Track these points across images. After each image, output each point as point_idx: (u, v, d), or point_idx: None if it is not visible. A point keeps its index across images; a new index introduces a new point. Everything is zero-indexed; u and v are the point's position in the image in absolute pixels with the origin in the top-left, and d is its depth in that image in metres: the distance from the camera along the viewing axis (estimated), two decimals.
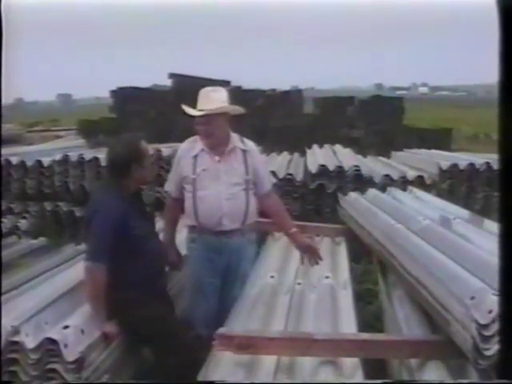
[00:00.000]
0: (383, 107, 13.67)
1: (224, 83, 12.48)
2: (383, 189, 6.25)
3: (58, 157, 7.65)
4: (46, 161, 7.67)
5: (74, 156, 7.60)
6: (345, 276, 4.17)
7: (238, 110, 3.89)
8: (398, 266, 3.70)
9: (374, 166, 8.21)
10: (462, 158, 7.78)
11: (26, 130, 17.93)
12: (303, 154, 9.73)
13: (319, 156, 8.75)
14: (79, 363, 2.93)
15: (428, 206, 4.82)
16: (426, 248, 3.47)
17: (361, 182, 7.03)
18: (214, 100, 3.72)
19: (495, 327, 2.34)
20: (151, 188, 6.62)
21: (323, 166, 7.24)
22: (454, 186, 7.18)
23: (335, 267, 4.43)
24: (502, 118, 2.19)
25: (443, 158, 7.89)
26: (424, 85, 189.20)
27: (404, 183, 6.82)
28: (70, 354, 2.91)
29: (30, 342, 2.94)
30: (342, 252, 4.91)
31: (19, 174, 7.66)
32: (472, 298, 2.51)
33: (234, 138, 3.89)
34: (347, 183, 7.06)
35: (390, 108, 13.73)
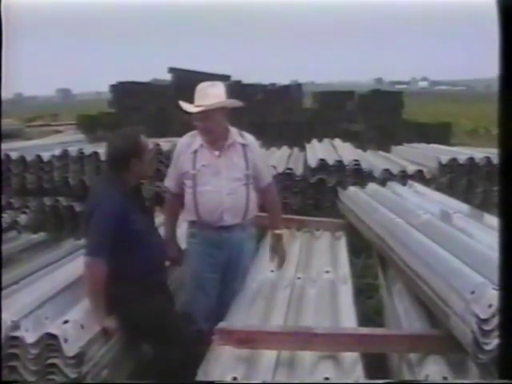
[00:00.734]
0: (383, 102, 13.69)
1: (224, 78, 12.48)
2: (383, 183, 6.26)
3: (57, 152, 7.64)
4: (45, 156, 7.65)
5: (73, 151, 7.58)
6: (345, 270, 4.18)
7: (236, 103, 3.88)
8: (397, 260, 3.70)
9: (373, 160, 8.22)
10: (462, 153, 7.79)
11: (25, 125, 17.91)
12: (303, 148, 9.74)
13: (319, 150, 8.75)
14: (79, 358, 2.93)
15: (428, 201, 4.82)
16: (426, 242, 3.47)
17: (360, 176, 7.04)
18: (211, 95, 3.70)
19: (495, 321, 2.34)
20: (151, 182, 6.61)
21: (323, 160, 7.24)
22: (453, 180, 7.19)
23: (335, 262, 4.43)
24: (502, 113, 2.19)
25: (443, 153, 7.90)
26: (424, 79, 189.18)
27: (404, 177, 6.83)
28: (70, 349, 2.90)
29: (30, 337, 2.94)
30: (342, 246, 4.91)
31: (19, 169, 7.64)
32: (472, 292, 2.51)
33: (233, 132, 3.87)
34: (347, 177, 7.06)
35: (389, 102, 13.75)
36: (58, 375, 2.92)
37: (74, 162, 7.52)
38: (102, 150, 7.05)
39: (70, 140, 10.59)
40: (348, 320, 3.27)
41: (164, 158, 6.78)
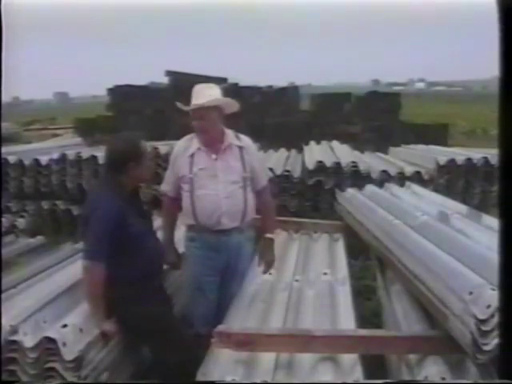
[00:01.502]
0: (380, 103, 13.68)
1: (221, 80, 12.48)
2: (381, 185, 6.26)
3: (55, 155, 7.64)
4: (43, 159, 7.66)
5: (71, 154, 7.59)
6: (343, 272, 4.18)
7: (232, 103, 3.88)
8: (396, 261, 3.70)
9: (371, 161, 8.22)
10: (460, 153, 7.80)
11: (22, 129, 17.94)
12: (300, 150, 9.75)
13: (316, 152, 8.77)
14: (78, 362, 2.93)
15: (426, 202, 4.83)
16: (424, 243, 3.48)
17: (358, 178, 7.04)
18: (207, 95, 3.72)
19: (494, 322, 2.35)
20: (149, 186, 6.61)
21: (321, 162, 7.25)
22: (451, 181, 7.19)
23: (333, 263, 4.43)
24: (501, 114, 2.20)
25: (440, 154, 7.91)
26: (421, 80, 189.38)
27: (402, 179, 6.83)
28: (69, 353, 2.90)
29: (29, 341, 2.94)
30: (340, 248, 4.91)
31: (17, 173, 7.65)
32: (470, 293, 2.52)
33: (229, 134, 3.87)
34: (345, 179, 7.08)
35: (386, 104, 13.74)
36: (56, 379, 2.92)
37: (72, 166, 7.53)
38: (99, 153, 7.06)
39: (67, 143, 10.60)
40: (346, 322, 3.27)
41: (162, 162, 6.79)
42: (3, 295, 3.34)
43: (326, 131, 12.10)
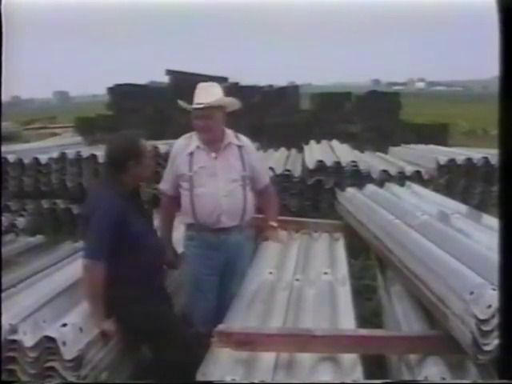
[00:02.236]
0: (380, 103, 13.69)
1: (221, 80, 12.47)
2: (381, 184, 6.26)
3: (55, 154, 7.64)
4: (43, 158, 7.66)
5: (71, 153, 7.59)
6: (343, 272, 4.17)
7: (236, 103, 3.88)
8: (396, 261, 3.70)
9: (371, 161, 8.22)
10: (460, 153, 7.80)
11: (22, 128, 17.94)
12: (301, 150, 9.75)
13: (317, 152, 8.77)
14: (78, 361, 2.93)
15: (426, 201, 4.82)
16: (425, 243, 3.47)
17: (358, 177, 7.05)
18: (212, 93, 3.72)
19: (494, 322, 2.34)
20: (149, 185, 6.60)
21: (321, 161, 7.25)
22: (451, 180, 7.20)
23: (334, 263, 4.42)
24: (501, 114, 2.19)
25: (441, 153, 7.91)
26: (421, 80, 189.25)
27: (402, 178, 6.83)
28: (69, 352, 2.90)
29: (29, 341, 2.94)
30: (341, 248, 4.90)
31: (16, 172, 7.65)
32: (471, 293, 2.51)
33: (229, 134, 3.87)
34: (345, 179, 7.08)
35: (386, 103, 13.75)
36: (56, 378, 2.91)
37: (72, 165, 7.53)
38: (99, 152, 7.06)
39: (67, 142, 10.60)
40: (347, 321, 3.27)
41: (162, 161, 6.77)
42: (3, 294, 3.34)
43: (326, 130, 12.11)
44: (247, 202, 3.85)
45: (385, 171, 7.13)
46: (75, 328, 3.05)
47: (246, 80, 15.15)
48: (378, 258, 4.46)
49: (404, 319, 3.32)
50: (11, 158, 7.65)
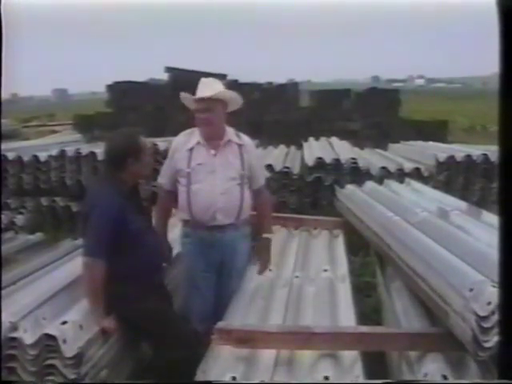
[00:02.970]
0: (380, 100, 13.67)
1: (220, 76, 12.47)
2: (380, 181, 6.26)
3: (54, 152, 7.62)
4: (42, 156, 7.64)
5: (70, 151, 7.57)
6: (343, 269, 4.18)
7: (238, 99, 3.87)
8: (396, 258, 3.70)
9: (370, 158, 8.22)
10: (459, 150, 7.78)
11: (21, 125, 17.91)
12: (300, 147, 9.75)
13: (316, 149, 8.76)
14: (78, 359, 2.93)
15: (425, 198, 4.83)
16: (424, 240, 3.48)
17: (358, 174, 7.04)
18: (214, 87, 3.72)
19: (494, 319, 2.35)
20: (148, 182, 6.60)
21: (320, 158, 7.24)
22: (451, 177, 7.18)
23: (333, 260, 4.43)
24: (501, 111, 2.19)
25: (440, 150, 7.90)
26: (420, 77, 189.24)
27: (401, 175, 6.83)
28: (69, 350, 2.90)
29: (29, 338, 2.94)
30: (340, 245, 4.91)
31: (15, 170, 7.63)
32: (471, 289, 2.52)
33: (229, 131, 3.87)
34: (344, 176, 7.07)
35: (386, 100, 13.74)
36: (56, 376, 2.92)
37: (71, 162, 7.50)
38: (98, 149, 7.05)
39: (66, 140, 10.59)
40: (347, 318, 3.28)
41: (161, 158, 6.76)
42: (3, 292, 3.34)
43: (326, 127, 12.11)
44: (244, 200, 3.83)
45: (384, 168, 7.13)
46: (75, 325, 3.05)
47: (245, 77, 15.15)
48: (378, 255, 4.47)
49: (404, 316, 3.33)
50: (10, 155, 7.63)
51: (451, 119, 17.01)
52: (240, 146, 3.85)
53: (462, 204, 4.56)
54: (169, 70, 13.16)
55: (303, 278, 3.98)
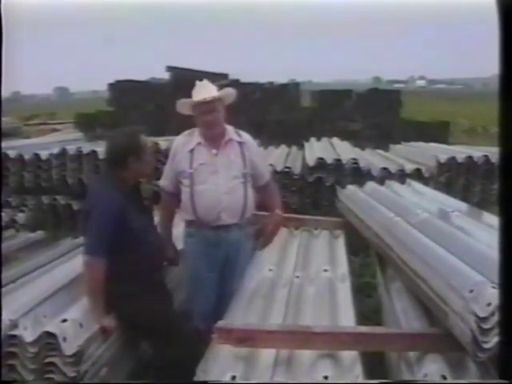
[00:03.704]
0: (381, 100, 13.71)
1: (222, 76, 12.49)
2: (381, 182, 6.25)
3: (55, 150, 7.64)
4: (43, 154, 7.66)
5: (71, 149, 7.59)
6: (343, 269, 4.17)
7: (232, 93, 3.87)
8: (396, 259, 3.70)
9: (371, 159, 8.22)
10: (460, 151, 7.79)
11: (23, 124, 17.90)
12: (301, 147, 9.76)
13: (317, 149, 8.76)
14: (78, 357, 2.93)
15: (426, 199, 4.82)
16: (425, 241, 3.47)
17: (359, 175, 7.04)
18: (212, 88, 3.73)
19: (494, 320, 2.34)
20: (149, 181, 6.60)
21: (321, 159, 7.25)
22: (452, 178, 7.19)
23: (334, 260, 4.42)
24: (502, 113, 2.20)
25: (441, 151, 7.91)
26: (421, 78, 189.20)
27: (402, 176, 6.83)
28: (69, 348, 2.91)
29: (29, 336, 2.94)
30: (341, 245, 4.90)
31: (17, 168, 7.65)
32: (471, 290, 2.51)
33: (230, 130, 3.87)
34: (345, 176, 7.08)
35: (387, 101, 13.78)
36: (56, 374, 2.92)
37: (72, 161, 7.52)
38: (100, 148, 7.06)
39: (68, 138, 10.59)
40: (346, 319, 3.27)
41: (162, 157, 6.76)
42: (3, 290, 3.34)
43: (327, 128, 12.12)
44: (248, 199, 3.84)
45: (385, 169, 7.14)
46: (75, 324, 3.06)
47: (246, 77, 15.17)
48: (378, 256, 4.46)
49: (404, 317, 3.32)
50: (12, 153, 7.65)
51: (452, 120, 17.02)
52: (241, 144, 3.86)
53: (463, 205, 4.55)
54: (170, 69, 13.18)
55: (303, 278, 3.97)
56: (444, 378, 2.51)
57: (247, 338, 2.88)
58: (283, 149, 9.83)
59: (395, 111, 13.65)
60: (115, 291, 3.28)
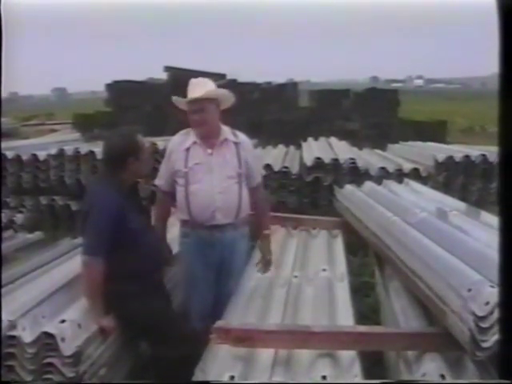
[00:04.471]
0: (379, 100, 13.72)
1: (220, 76, 12.48)
2: (379, 181, 6.26)
3: (53, 151, 7.63)
4: (41, 155, 7.65)
5: (69, 150, 7.58)
6: (341, 269, 4.18)
7: (230, 96, 3.86)
8: (394, 258, 3.70)
9: (369, 158, 8.23)
10: (458, 151, 7.80)
11: (21, 124, 17.90)
12: (299, 146, 9.76)
13: (315, 149, 8.77)
14: (76, 357, 2.93)
15: (424, 199, 4.83)
16: (423, 240, 3.48)
17: (357, 174, 7.06)
18: (204, 87, 3.72)
19: (492, 319, 2.35)
20: (147, 182, 6.60)
21: (319, 158, 7.26)
22: (449, 178, 7.20)
23: (332, 260, 4.43)
24: (501, 112, 2.20)
25: (439, 151, 7.92)
26: (419, 77, 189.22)
27: (400, 176, 6.84)
28: (67, 349, 2.90)
29: (27, 337, 2.94)
30: (339, 245, 4.91)
31: (15, 168, 7.65)
32: (469, 289, 2.52)
33: (225, 130, 3.86)
34: (343, 176, 7.08)
35: (385, 101, 13.79)
36: (55, 374, 2.92)
37: (70, 161, 7.52)
38: (98, 148, 7.05)
39: (65, 139, 10.59)
40: (345, 318, 3.27)
41: (160, 157, 6.76)
42: (2, 290, 3.34)
43: (325, 127, 12.14)
44: (242, 199, 3.83)
45: (383, 168, 7.14)
46: (74, 324, 3.05)
47: (244, 76, 15.18)
48: (377, 255, 4.47)
49: (402, 316, 3.33)
50: (10, 154, 7.65)
51: (450, 120, 17.04)
52: (236, 144, 3.84)
53: (461, 204, 4.56)
54: (168, 69, 13.18)
55: (302, 278, 3.98)
56: (442, 377, 2.51)
57: (246, 338, 2.89)
58: (281, 148, 9.83)
59: (393, 111, 13.67)
60: (114, 291, 3.28)
